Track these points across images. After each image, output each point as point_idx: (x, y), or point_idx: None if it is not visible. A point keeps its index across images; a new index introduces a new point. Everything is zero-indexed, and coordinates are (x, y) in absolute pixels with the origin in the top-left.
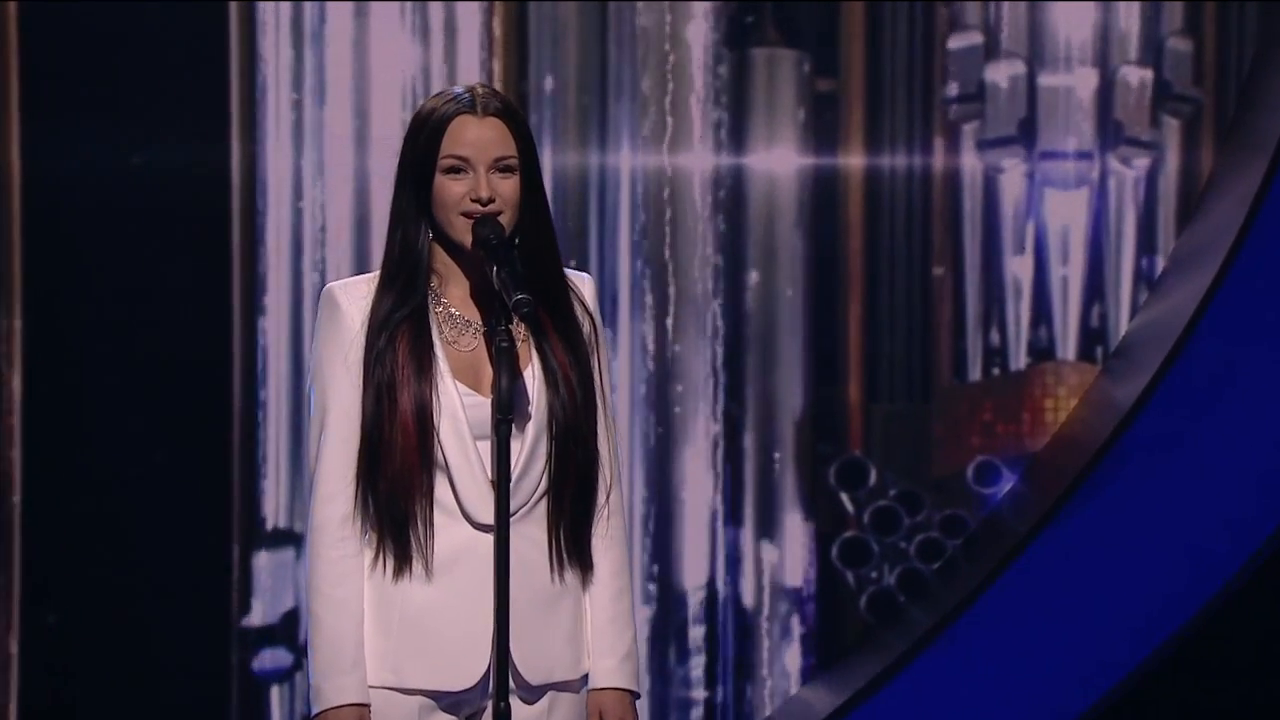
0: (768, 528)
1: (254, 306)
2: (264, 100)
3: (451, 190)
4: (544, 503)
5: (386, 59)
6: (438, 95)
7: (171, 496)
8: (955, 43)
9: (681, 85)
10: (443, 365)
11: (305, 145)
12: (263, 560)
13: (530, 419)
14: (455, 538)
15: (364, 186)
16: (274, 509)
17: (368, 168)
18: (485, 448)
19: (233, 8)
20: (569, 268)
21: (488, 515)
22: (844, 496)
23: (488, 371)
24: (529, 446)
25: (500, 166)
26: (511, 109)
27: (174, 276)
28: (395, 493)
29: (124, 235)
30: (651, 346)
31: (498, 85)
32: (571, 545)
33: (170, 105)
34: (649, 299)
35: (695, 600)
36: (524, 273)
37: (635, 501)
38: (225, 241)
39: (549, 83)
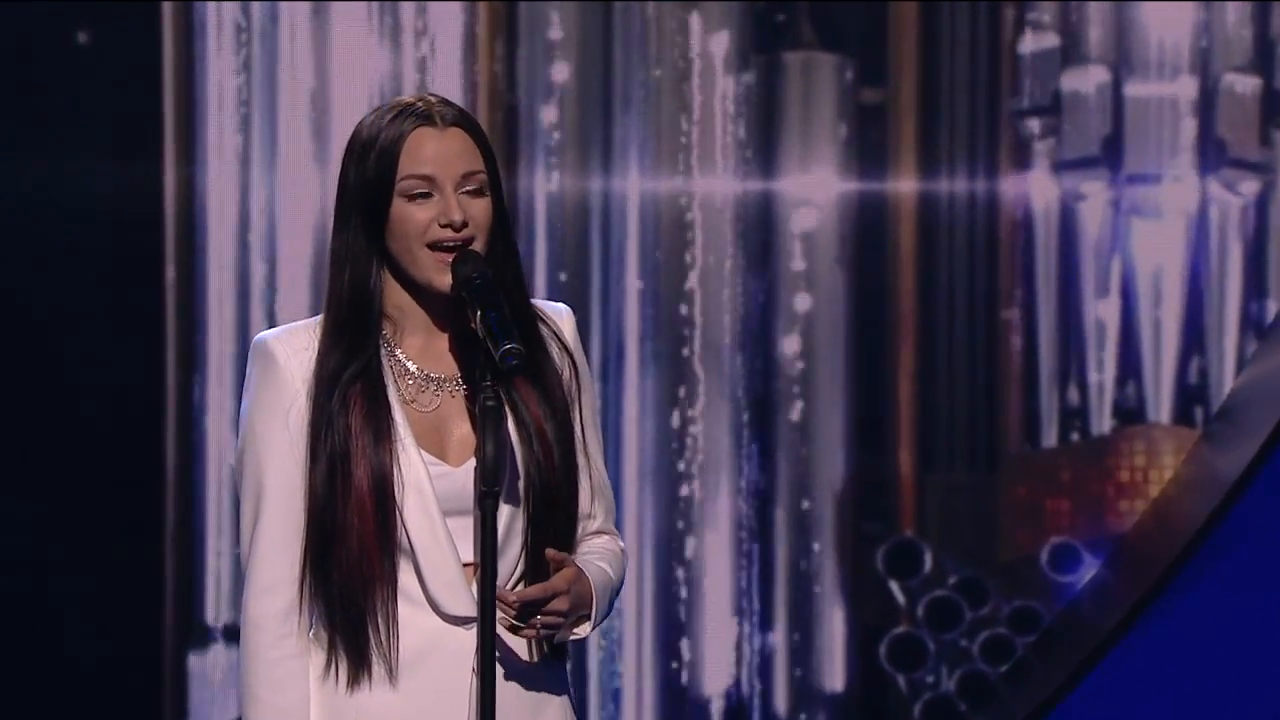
0: (803, 622)
1: (191, 361)
2: (204, 115)
3: (415, 218)
4: (521, 586)
5: (350, 66)
6: (380, 110)
7: (92, 586)
8: (1027, 46)
9: (701, 95)
10: (403, 430)
11: (253, 168)
12: (200, 662)
13: (506, 489)
14: (422, 632)
15: (324, 217)
16: (214, 601)
17: (329, 194)
18: (454, 526)
19: (166, 8)
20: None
21: (460, 605)
22: (894, 585)
23: (454, 435)
24: (505, 522)
25: (469, 185)
26: (470, 118)
27: (96, 324)
28: (351, 584)
29: (36, 273)
30: (665, 407)
31: (482, 95)
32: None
33: (94, 121)
34: (661, 350)
35: (717, 709)
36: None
37: (645, 592)
38: (157, 282)
39: (543, 92)
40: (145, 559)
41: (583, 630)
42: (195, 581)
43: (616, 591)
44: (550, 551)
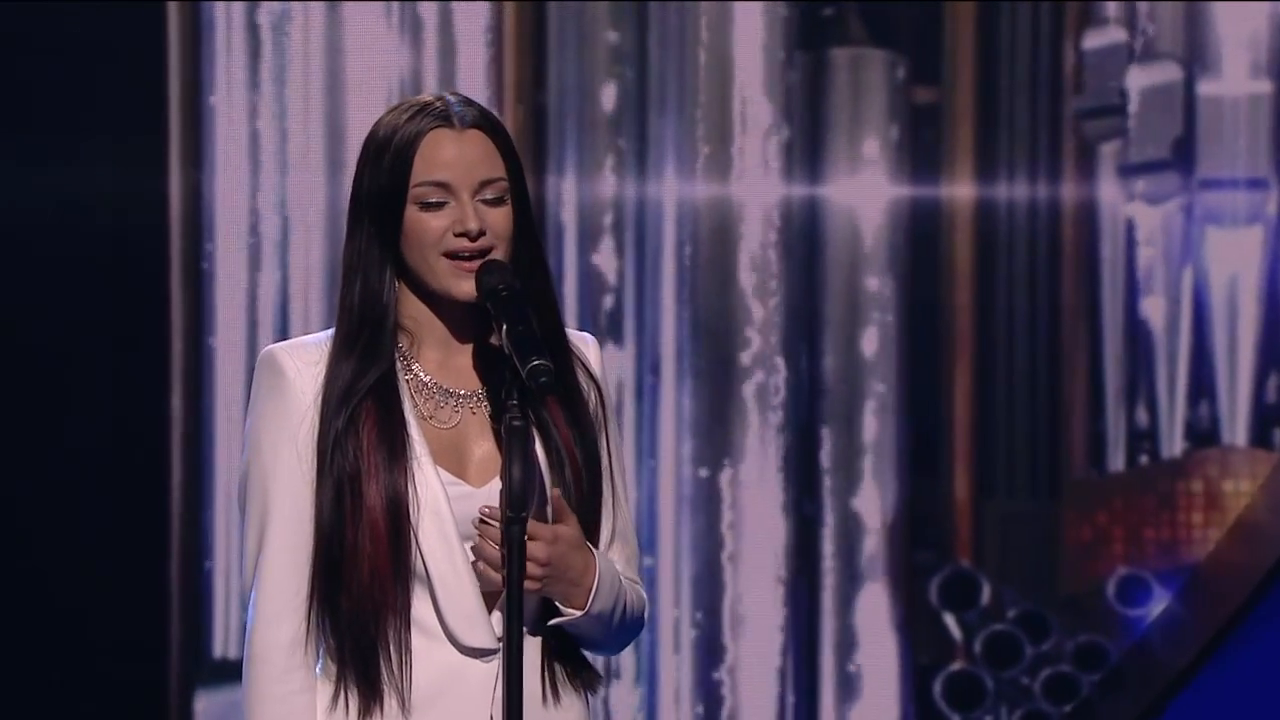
0: (852, 659)
1: (199, 379)
2: (211, 117)
3: (429, 226)
4: (541, 619)
5: (366, 64)
6: (397, 109)
7: (93, 617)
8: (1091, 41)
9: (741, 95)
10: (419, 447)
11: (263, 172)
12: (208, 701)
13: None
14: (438, 665)
15: (339, 224)
16: (222, 635)
17: (345, 200)
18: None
19: (171, 7)
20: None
21: (479, 637)
22: (949, 619)
23: (475, 453)
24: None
25: (488, 192)
26: (492, 119)
27: (96, 340)
28: (361, 612)
29: (33, 285)
30: (701, 429)
31: (508, 94)
32: (572, 667)
33: (94, 123)
34: (699, 368)
35: None
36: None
37: (682, 624)
38: (161, 295)
39: (572, 91)
40: (149, 589)
41: (568, 613)
42: (203, 612)
43: (625, 614)
44: (555, 492)
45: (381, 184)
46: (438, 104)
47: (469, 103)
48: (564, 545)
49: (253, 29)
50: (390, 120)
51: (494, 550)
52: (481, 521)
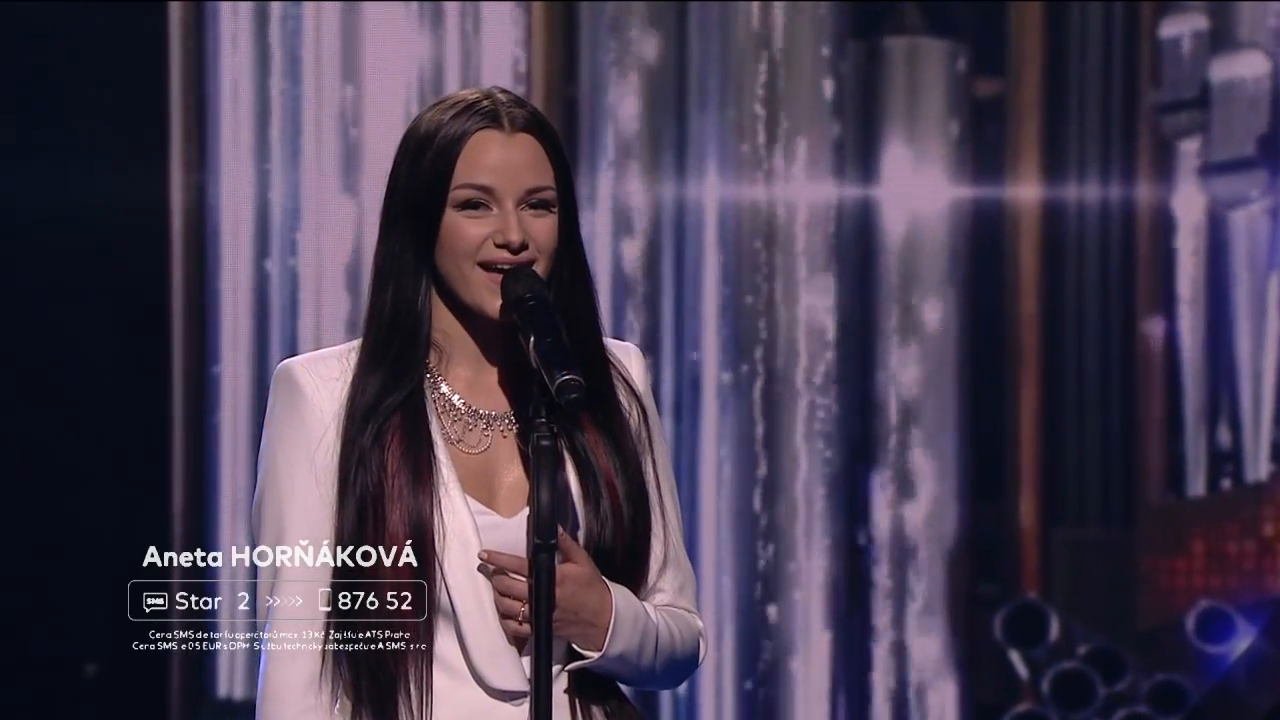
0: (909, 699)
1: (203, 397)
2: (216, 113)
3: (468, 233)
4: (572, 656)
5: (385, 57)
6: (442, 104)
7: (91, 654)
8: (1169, 29)
9: (790, 88)
10: (446, 473)
11: (273, 174)
12: None
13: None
14: (463, 707)
15: (356, 230)
16: (227, 672)
17: (361, 202)
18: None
19: (174, 6)
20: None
21: (507, 678)
22: (1015, 655)
23: (505, 480)
24: None
25: (534, 201)
26: (544, 123)
27: (94, 351)
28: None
29: (29, 292)
30: (746, 448)
31: (537, 88)
32: (610, 706)
33: (91, 122)
34: (743, 382)
35: None
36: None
37: (724, 663)
38: (162, 304)
39: (607, 84)
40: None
41: (586, 655)
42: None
43: (659, 650)
44: (562, 533)
45: (420, 183)
46: (486, 103)
47: (520, 103)
48: (573, 585)
49: (261, 21)
50: (434, 116)
51: (505, 602)
52: (493, 571)
